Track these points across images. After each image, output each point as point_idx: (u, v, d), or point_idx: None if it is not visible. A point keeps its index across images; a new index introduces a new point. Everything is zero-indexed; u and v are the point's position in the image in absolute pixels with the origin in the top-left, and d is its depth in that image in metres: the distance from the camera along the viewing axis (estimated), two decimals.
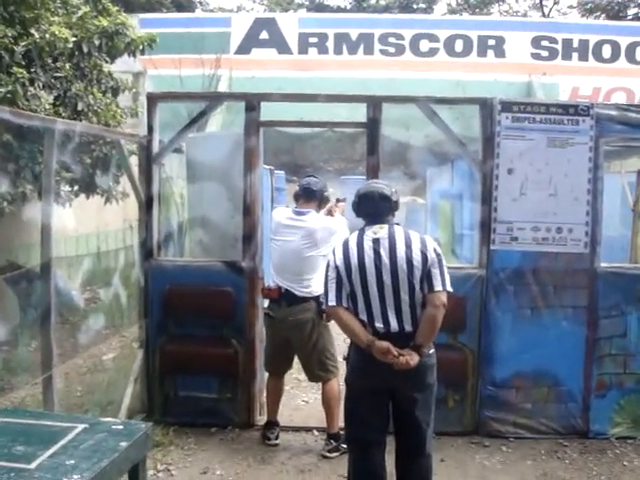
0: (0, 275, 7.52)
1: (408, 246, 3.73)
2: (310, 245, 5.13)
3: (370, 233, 3.81)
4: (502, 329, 5.40)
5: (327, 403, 5.24)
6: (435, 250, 3.76)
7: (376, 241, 3.76)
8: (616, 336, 5.41)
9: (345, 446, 4.79)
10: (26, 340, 6.93)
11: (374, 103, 5.48)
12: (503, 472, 4.92)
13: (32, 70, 6.41)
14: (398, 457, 3.94)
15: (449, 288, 3.74)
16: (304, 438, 5.53)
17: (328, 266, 3.89)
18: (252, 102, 5.56)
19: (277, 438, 5.38)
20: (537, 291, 5.38)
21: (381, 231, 3.79)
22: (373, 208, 3.88)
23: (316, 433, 5.57)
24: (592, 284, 5.39)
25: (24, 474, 2.50)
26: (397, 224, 3.90)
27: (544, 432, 5.45)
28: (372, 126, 5.49)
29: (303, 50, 17.83)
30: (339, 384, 5.22)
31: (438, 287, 3.70)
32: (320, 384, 5.38)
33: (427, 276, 3.70)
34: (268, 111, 5.67)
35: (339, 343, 5.27)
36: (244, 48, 17.63)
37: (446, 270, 3.77)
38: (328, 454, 5.14)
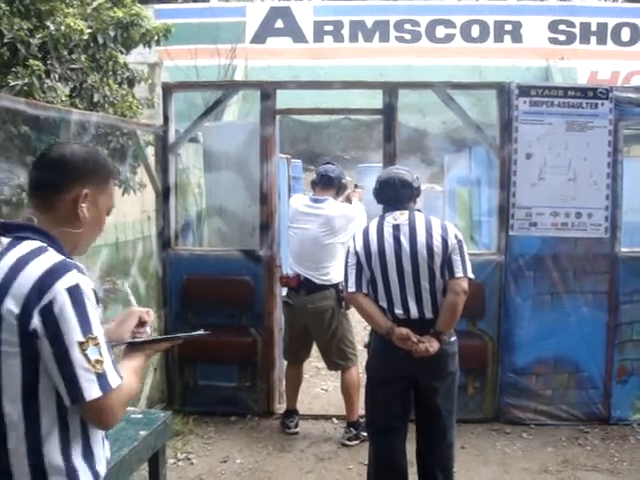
0: None
1: (429, 232, 3.69)
2: (329, 232, 5.12)
3: (390, 219, 3.77)
4: (522, 315, 5.37)
5: (346, 391, 5.24)
6: (456, 236, 3.72)
7: (396, 227, 3.73)
8: (637, 321, 5.37)
9: (365, 434, 4.80)
10: None
11: (390, 89, 5.44)
12: (524, 459, 4.90)
13: (48, 62, 6.42)
14: (419, 445, 3.91)
15: (470, 274, 3.69)
16: (323, 426, 5.53)
17: (348, 252, 3.87)
18: (267, 90, 5.54)
19: (296, 426, 5.39)
20: (557, 277, 5.34)
21: (401, 217, 3.75)
22: (393, 194, 3.83)
23: (335, 421, 5.58)
24: (612, 269, 5.35)
25: None
26: (418, 210, 3.85)
27: (565, 419, 5.42)
28: (388, 112, 5.45)
29: (318, 38, 17.69)
30: (358, 372, 5.22)
31: (459, 273, 3.66)
32: (339, 372, 5.38)
33: (448, 262, 3.66)
34: (284, 100, 5.64)
35: (359, 331, 5.25)
36: (259, 37, 17.53)
37: (467, 256, 3.72)
38: (348, 442, 5.14)
